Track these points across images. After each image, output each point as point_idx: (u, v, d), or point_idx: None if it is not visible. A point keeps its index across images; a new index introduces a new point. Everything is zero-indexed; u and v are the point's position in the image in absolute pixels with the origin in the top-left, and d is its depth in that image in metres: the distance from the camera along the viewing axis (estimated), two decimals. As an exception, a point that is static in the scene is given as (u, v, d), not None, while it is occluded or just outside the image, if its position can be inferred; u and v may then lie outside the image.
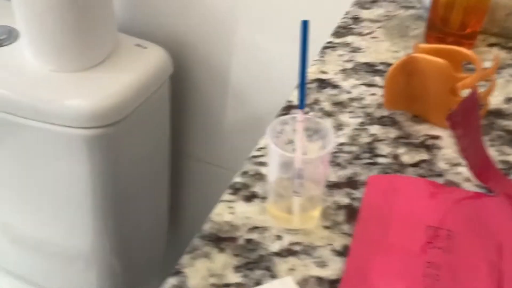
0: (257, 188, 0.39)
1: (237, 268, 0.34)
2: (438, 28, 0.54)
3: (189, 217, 1.26)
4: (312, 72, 0.51)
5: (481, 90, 0.43)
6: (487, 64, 0.49)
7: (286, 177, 0.35)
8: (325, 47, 0.54)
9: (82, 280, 1.08)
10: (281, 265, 0.34)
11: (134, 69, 0.87)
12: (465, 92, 0.41)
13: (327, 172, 0.36)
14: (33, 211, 1.02)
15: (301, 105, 0.34)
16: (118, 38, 0.90)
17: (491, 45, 0.55)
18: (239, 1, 0.80)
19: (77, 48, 0.84)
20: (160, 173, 1.09)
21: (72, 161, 0.91)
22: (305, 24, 0.32)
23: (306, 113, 0.35)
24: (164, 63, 0.91)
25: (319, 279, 0.33)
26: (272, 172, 0.35)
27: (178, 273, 0.33)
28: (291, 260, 0.34)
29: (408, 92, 0.44)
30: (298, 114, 0.34)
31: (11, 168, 0.98)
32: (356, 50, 0.54)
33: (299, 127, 0.34)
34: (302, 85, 0.33)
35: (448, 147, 0.43)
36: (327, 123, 0.37)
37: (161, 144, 1.04)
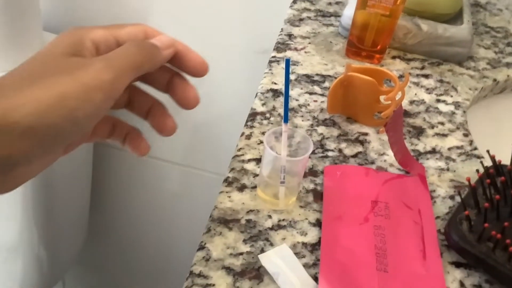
0: (245, 181, 0.51)
1: (245, 241, 0.46)
2: (355, 45, 0.69)
3: (108, 204, 1.33)
4: (266, 83, 0.63)
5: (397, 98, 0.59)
6: (395, 73, 0.65)
7: (274, 171, 0.47)
8: (271, 61, 0.67)
9: (6, 272, 1.10)
10: (275, 236, 0.47)
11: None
12: (385, 100, 0.56)
13: (304, 168, 0.49)
14: None
15: (285, 120, 0.46)
16: (44, 38, 0.94)
17: (394, 57, 0.71)
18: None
19: (6, 47, 0.88)
20: (85, 164, 1.15)
21: None
22: (287, 62, 0.45)
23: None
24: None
25: (304, 244, 0.46)
26: (265, 167, 0.48)
27: (202, 248, 0.45)
28: (282, 232, 0.47)
29: (344, 100, 0.58)
30: (283, 126, 0.46)
31: None
32: (295, 63, 0.67)
33: (284, 136, 0.46)
34: (286, 105, 0.46)
35: (374, 141, 0.58)
36: (304, 133, 0.50)
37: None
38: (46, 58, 0.32)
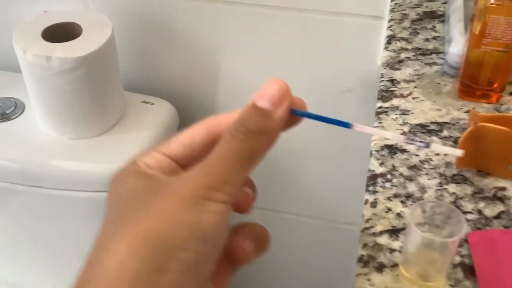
0: (382, 258, 0.46)
1: (398, 334, 0.40)
2: (468, 85, 0.63)
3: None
4: (378, 139, 0.58)
5: (534, 145, 0.52)
6: (518, 114, 0.58)
7: (421, 250, 0.42)
8: (378, 113, 0.62)
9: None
10: (431, 325, 0.41)
11: (146, 126, 0.91)
12: (527, 151, 0.50)
13: (457, 246, 0.43)
14: (37, 266, 1.03)
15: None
16: (125, 98, 0.94)
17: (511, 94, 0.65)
18: (242, 49, 0.88)
19: (93, 115, 0.87)
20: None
21: (90, 221, 0.94)
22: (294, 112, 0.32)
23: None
24: (172, 116, 0.96)
25: (466, 333, 0.40)
26: (410, 246, 0.42)
27: None
28: (437, 320, 0.41)
29: (474, 152, 0.52)
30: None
31: (21, 232, 0.99)
32: (405, 112, 0.62)
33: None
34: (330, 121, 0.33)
35: (516, 196, 0.51)
36: (457, 210, 0.44)
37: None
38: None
